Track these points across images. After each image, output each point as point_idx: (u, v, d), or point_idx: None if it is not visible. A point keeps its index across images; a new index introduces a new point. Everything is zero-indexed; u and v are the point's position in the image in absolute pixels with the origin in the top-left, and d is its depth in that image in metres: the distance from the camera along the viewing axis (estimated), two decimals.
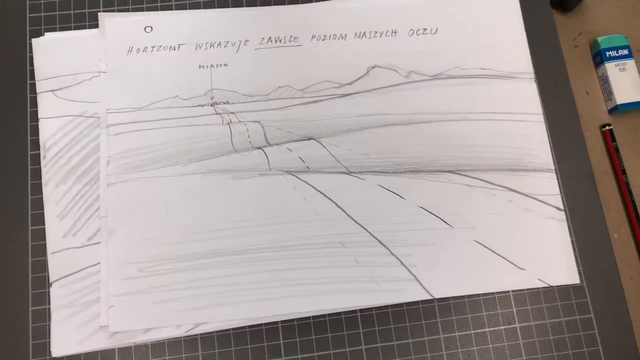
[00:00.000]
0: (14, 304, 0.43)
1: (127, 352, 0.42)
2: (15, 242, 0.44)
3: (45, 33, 0.49)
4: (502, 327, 0.44)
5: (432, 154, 0.47)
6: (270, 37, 0.49)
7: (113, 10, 0.50)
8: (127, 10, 0.50)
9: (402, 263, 0.44)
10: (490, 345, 0.44)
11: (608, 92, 0.53)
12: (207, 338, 0.43)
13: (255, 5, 0.51)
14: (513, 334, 0.44)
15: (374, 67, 0.49)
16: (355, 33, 0.50)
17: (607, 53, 0.54)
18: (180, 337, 0.43)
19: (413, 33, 0.50)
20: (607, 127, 0.52)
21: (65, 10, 0.49)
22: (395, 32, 0.50)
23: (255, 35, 0.49)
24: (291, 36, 0.49)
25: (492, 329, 0.44)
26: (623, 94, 0.52)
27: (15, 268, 0.44)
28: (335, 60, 0.49)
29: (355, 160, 0.47)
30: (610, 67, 0.53)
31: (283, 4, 0.51)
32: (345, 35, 0.50)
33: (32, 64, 0.48)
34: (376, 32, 0.50)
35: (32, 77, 0.48)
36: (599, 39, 0.54)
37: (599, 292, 0.45)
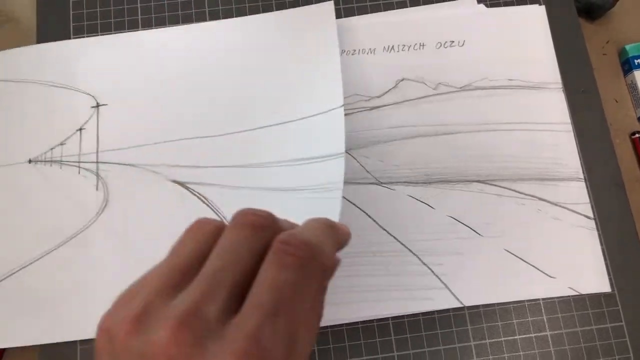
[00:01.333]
0: None
1: None
2: None
3: None
4: (533, 335, 0.45)
5: (462, 164, 0.48)
6: None
7: None
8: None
9: (432, 272, 0.45)
10: (522, 353, 0.44)
11: (637, 100, 0.53)
12: None
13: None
14: (544, 342, 0.45)
15: (402, 80, 0.50)
16: (384, 47, 0.51)
17: (636, 61, 0.54)
18: None
19: (440, 46, 0.51)
20: (637, 135, 0.53)
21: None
22: (423, 45, 0.51)
23: None
24: None
25: (522, 336, 0.45)
26: None
27: None
28: (365, 74, 0.50)
29: (386, 172, 0.48)
30: (639, 75, 0.53)
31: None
32: (374, 49, 0.51)
33: None
34: (404, 45, 0.51)
35: None
36: (627, 46, 0.54)
37: (630, 299, 0.45)
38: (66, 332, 0.44)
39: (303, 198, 0.45)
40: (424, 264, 0.45)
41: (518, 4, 0.53)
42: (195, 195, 0.46)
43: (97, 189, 0.47)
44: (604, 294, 0.45)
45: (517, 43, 0.51)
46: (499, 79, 0.50)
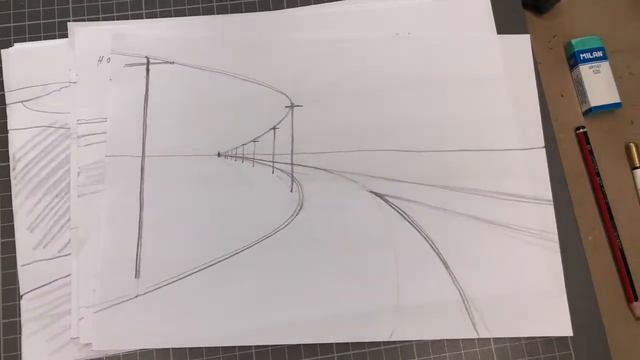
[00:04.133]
0: None
1: None
2: None
3: (15, 43, 0.48)
4: None
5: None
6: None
7: (83, 20, 0.49)
8: (97, 20, 0.49)
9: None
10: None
11: (582, 95, 0.53)
12: (164, 351, 0.43)
13: (227, 12, 0.50)
14: None
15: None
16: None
17: (582, 55, 0.54)
18: (152, 349, 0.43)
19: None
20: (582, 130, 0.52)
21: (34, 20, 0.49)
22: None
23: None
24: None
25: None
26: (597, 97, 0.52)
27: None
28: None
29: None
30: (585, 70, 0.53)
31: (254, 10, 0.51)
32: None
33: (1, 75, 0.48)
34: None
35: (2, 88, 0.47)
36: (573, 41, 0.54)
37: (573, 295, 0.45)
38: (244, 336, 0.43)
39: (520, 239, 0.45)
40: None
41: None
42: (395, 209, 0.45)
43: (291, 190, 0.46)
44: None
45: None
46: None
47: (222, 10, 0.51)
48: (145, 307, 0.43)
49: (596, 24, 0.56)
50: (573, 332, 0.44)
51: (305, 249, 0.45)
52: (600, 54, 0.54)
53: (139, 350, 0.43)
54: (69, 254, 0.44)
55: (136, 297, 0.43)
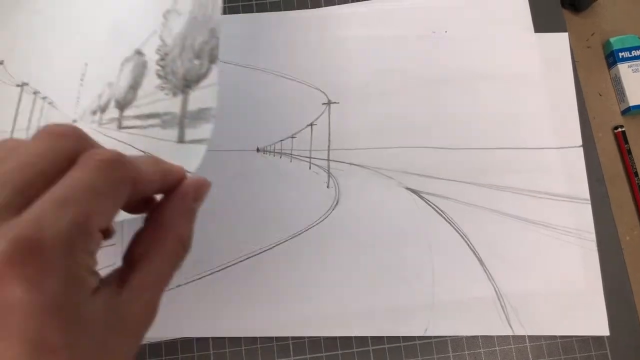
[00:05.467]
0: None
1: None
2: None
3: None
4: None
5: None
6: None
7: None
8: None
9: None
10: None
11: (621, 94, 0.53)
12: (204, 339, 0.44)
13: (265, 10, 0.52)
14: None
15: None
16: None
17: (620, 54, 0.53)
18: (193, 337, 0.44)
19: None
20: (620, 129, 0.52)
21: None
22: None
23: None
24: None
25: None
26: (636, 95, 0.52)
27: None
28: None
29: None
30: (623, 68, 0.53)
31: (292, 8, 0.51)
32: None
33: None
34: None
35: None
36: (612, 39, 0.54)
37: (610, 295, 0.45)
38: (281, 327, 0.44)
39: (556, 238, 0.45)
40: None
41: None
42: (430, 205, 0.46)
43: (328, 186, 0.47)
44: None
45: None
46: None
47: (261, 8, 0.52)
48: (185, 297, 0.44)
49: (635, 23, 0.56)
50: (610, 331, 0.44)
51: (341, 244, 0.46)
52: (639, 52, 0.53)
53: (180, 338, 0.44)
54: (114, 244, 0.46)
55: (177, 287, 0.45)
